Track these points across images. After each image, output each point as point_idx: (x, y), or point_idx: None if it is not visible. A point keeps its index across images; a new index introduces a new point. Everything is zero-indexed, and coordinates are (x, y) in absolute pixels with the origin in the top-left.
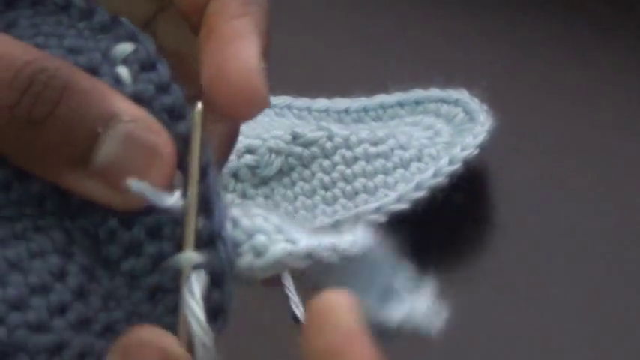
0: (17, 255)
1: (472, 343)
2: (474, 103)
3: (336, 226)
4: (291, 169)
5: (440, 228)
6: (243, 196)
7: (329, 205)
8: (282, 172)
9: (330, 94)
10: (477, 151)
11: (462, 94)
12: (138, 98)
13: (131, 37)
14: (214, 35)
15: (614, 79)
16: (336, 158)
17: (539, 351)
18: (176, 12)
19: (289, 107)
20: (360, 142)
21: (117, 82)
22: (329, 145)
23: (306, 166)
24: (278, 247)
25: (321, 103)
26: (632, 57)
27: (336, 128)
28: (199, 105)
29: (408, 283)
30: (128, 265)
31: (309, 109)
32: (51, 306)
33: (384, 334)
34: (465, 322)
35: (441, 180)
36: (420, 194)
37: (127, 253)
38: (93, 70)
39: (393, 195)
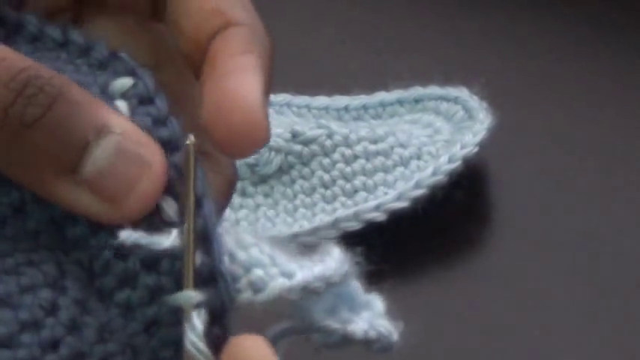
0: (7, 291)
1: (472, 341)
2: (474, 101)
3: (334, 225)
4: (291, 166)
5: (439, 226)
6: (243, 194)
7: (328, 203)
8: (281, 170)
9: (329, 91)
10: (476, 149)
11: (462, 92)
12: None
13: (130, 72)
14: (216, 70)
15: (613, 77)
16: (336, 156)
17: (540, 349)
18: (175, 65)
19: (289, 105)
20: (360, 139)
21: None
22: (328, 142)
23: (305, 164)
24: (276, 284)
25: (321, 100)
26: (632, 54)
27: (335, 126)
28: (191, 137)
29: (363, 295)
30: (123, 295)
31: (308, 107)
32: (42, 342)
33: (345, 345)
34: (464, 320)
35: (440, 178)
36: (420, 192)
37: (122, 284)
38: None
39: (392, 193)
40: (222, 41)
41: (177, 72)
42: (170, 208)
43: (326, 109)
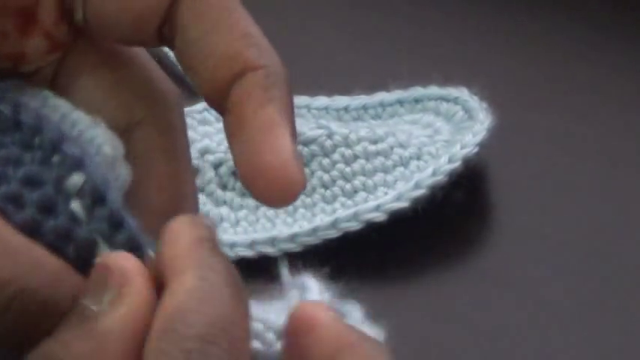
0: None
1: (472, 341)
2: (474, 101)
3: (334, 225)
4: None
5: (439, 226)
6: (243, 194)
7: (328, 204)
8: None
9: (329, 92)
10: (476, 149)
11: (462, 92)
12: (94, 237)
13: (79, 164)
14: (243, 128)
15: (614, 77)
16: (336, 156)
17: (540, 349)
18: (154, 121)
19: None
20: (360, 140)
21: (72, 220)
22: (328, 143)
23: (305, 164)
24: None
25: (321, 101)
26: (633, 55)
27: (335, 126)
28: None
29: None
30: None
31: (308, 107)
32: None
33: None
34: (464, 320)
35: (440, 178)
36: (420, 192)
37: None
38: (49, 208)
39: (392, 193)
40: (242, 91)
41: (154, 131)
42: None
43: (326, 109)
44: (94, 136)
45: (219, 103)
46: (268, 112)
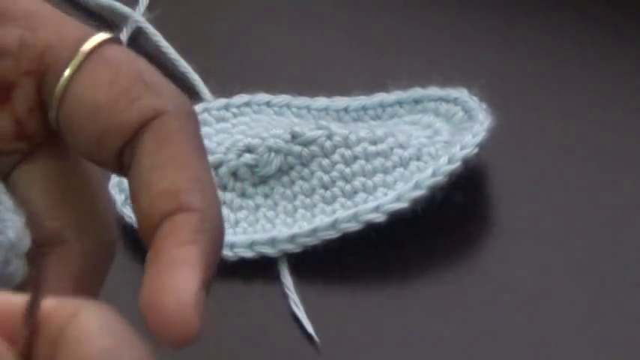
0: None
1: (472, 341)
2: (473, 102)
3: (334, 226)
4: (291, 167)
5: (439, 227)
6: (243, 195)
7: (328, 204)
8: (281, 171)
9: (329, 92)
10: (476, 150)
11: (461, 93)
12: None
13: None
14: (157, 259)
15: (614, 78)
16: (336, 157)
17: (540, 349)
18: (89, 232)
19: (288, 106)
20: (360, 140)
21: None
22: (328, 143)
23: (305, 165)
24: None
25: (321, 101)
26: (633, 55)
27: (335, 127)
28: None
29: None
30: None
31: (308, 108)
32: None
33: None
34: (464, 320)
35: (440, 179)
36: (419, 193)
37: None
38: None
39: (392, 194)
40: (170, 228)
41: (69, 259)
42: None
43: (326, 110)
44: (7, 219)
45: (150, 239)
46: (186, 251)
